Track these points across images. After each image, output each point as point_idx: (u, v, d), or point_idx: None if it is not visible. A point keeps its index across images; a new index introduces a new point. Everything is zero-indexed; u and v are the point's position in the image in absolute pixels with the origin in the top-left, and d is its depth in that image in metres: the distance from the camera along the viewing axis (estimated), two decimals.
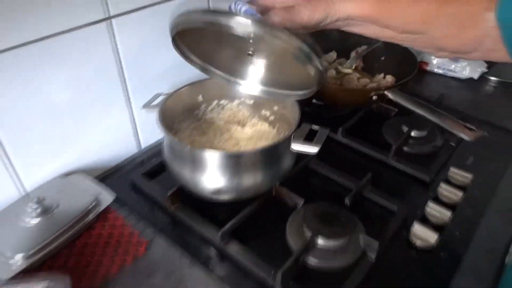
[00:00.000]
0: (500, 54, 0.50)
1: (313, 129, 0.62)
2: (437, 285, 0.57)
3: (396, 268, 0.59)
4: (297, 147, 0.59)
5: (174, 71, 0.76)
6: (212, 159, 0.57)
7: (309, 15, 0.52)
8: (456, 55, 0.56)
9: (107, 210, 0.66)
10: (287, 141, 0.59)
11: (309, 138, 0.60)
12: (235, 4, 0.56)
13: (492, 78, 1.05)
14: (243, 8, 0.54)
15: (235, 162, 0.58)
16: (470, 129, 0.65)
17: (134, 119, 0.77)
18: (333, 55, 0.97)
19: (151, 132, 0.81)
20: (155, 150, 0.80)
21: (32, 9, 0.54)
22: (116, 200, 0.67)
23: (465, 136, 0.64)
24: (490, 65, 1.06)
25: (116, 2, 0.63)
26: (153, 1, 0.69)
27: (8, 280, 0.51)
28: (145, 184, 0.71)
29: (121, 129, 0.75)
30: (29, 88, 0.59)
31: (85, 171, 0.71)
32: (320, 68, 0.52)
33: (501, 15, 0.47)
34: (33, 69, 0.58)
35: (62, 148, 0.67)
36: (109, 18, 0.63)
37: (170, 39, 0.57)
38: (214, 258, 0.60)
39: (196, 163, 0.59)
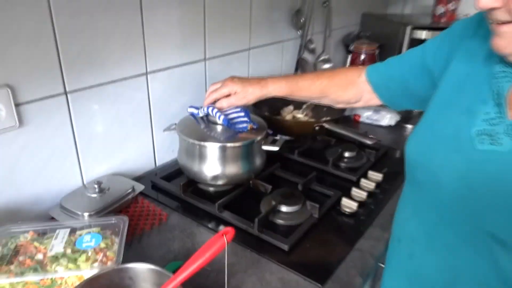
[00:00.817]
0: (375, 101, 0.91)
1: (275, 139, 0.98)
2: (357, 234, 0.89)
3: (331, 224, 0.92)
4: (266, 147, 0.94)
5: (183, 109, 1.12)
6: (211, 149, 0.91)
7: (245, 101, 0.94)
8: (348, 105, 0.97)
9: (137, 198, 0.97)
10: (258, 143, 0.95)
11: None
12: (203, 109, 0.96)
13: (405, 124, 1.47)
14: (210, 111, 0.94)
15: (226, 153, 0.92)
16: (372, 138, 1.03)
17: (154, 143, 1.10)
18: (291, 107, 1.36)
19: (163, 154, 1.14)
20: (166, 167, 1.13)
21: (106, 60, 0.91)
22: (141, 194, 0.98)
23: (369, 141, 1.03)
24: (403, 115, 1.49)
25: (152, 62, 1.01)
26: (174, 64, 1.07)
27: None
28: (163, 183, 1.03)
29: (145, 149, 1.09)
30: (97, 116, 0.93)
31: (120, 175, 1.02)
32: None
33: (368, 76, 0.88)
34: (101, 103, 0.93)
35: (109, 158, 1.00)
36: (147, 73, 1.01)
37: (182, 90, 0.96)
38: (212, 221, 0.91)
39: (201, 157, 0.92)
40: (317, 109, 1.34)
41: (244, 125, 0.96)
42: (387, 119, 1.47)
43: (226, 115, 0.94)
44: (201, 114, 0.99)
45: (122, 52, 0.93)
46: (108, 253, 0.71)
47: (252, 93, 0.92)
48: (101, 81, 0.91)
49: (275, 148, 0.94)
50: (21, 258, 0.69)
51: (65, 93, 0.85)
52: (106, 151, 0.98)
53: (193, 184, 1.00)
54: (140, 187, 0.96)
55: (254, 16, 1.30)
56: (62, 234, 0.73)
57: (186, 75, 1.12)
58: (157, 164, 1.14)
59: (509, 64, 0.58)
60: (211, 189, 1.01)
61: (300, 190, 0.99)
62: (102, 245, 0.72)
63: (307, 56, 1.60)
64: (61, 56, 0.81)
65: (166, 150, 1.15)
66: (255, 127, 0.97)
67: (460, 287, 0.64)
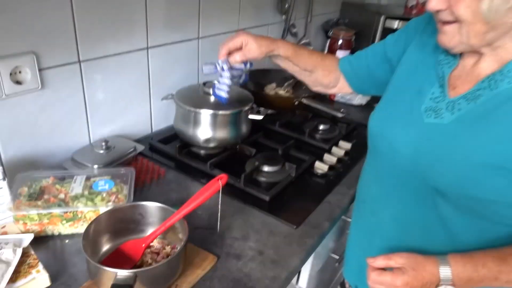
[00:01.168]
0: (347, 89, 1.05)
1: (260, 110, 1.13)
2: (326, 190, 1.06)
3: (305, 182, 1.08)
4: (252, 116, 1.09)
5: (180, 81, 1.25)
6: (205, 116, 1.06)
7: (257, 54, 0.94)
8: (325, 90, 1.09)
9: (136, 157, 1.10)
10: (245, 113, 1.10)
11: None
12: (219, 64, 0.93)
13: (374, 104, 1.64)
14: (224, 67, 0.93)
15: (217, 119, 1.07)
16: (342, 112, 1.20)
17: (151, 111, 1.24)
18: (274, 84, 1.51)
19: (159, 121, 1.28)
20: (161, 132, 1.26)
21: (114, 34, 1.03)
22: (140, 154, 1.12)
23: (340, 114, 1.19)
24: (373, 96, 1.66)
25: (152, 38, 1.14)
26: (172, 40, 1.20)
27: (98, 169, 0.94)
28: (160, 145, 1.16)
29: (144, 116, 1.22)
30: (104, 84, 1.06)
31: (123, 137, 1.15)
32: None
33: (341, 66, 1.03)
34: (108, 73, 1.05)
35: (112, 121, 1.12)
36: (147, 48, 1.14)
37: (177, 65, 1.09)
38: (205, 177, 1.06)
39: (196, 121, 1.07)
40: (297, 87, 1.49)
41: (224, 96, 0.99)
42: (359, 98, 1.63)
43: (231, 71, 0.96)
44: (218, 68, 0.96)
45: (128, 28, 1.06)
46: (119, 196, 0.85)
47: (265, 46, 0.95)
48: (109, 53, 1.03)
49: (259, 117, 1.09)
50: (46, 196, 0.82)
51: (79, 62, 0.97)
52: (110, 116, 1.11)
53: (187, 147, 1.15)
54: (140, 147, 1.10)
55: (243, 0, 1.42)
56: (80, 180, 0.87)
57: (182, 51, 1.25)
58: (153, 130, 1.27)
59: (451, 54, 0.74)
60: (203, 151, 1.16)
61: (280, 154, 1.15)
62: (114, 189, 0.86)
63: (290, 39, 1.74)
64: (77, 29, 0.93)
65: (161, 118, 1.28)
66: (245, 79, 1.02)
67: (411, 233, 0.80)
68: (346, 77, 1.03)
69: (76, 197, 0.82)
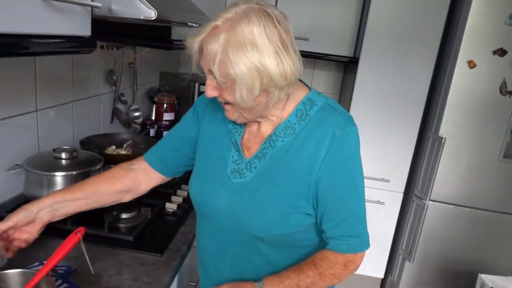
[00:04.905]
0: (158, 180, 1.06)
1: (111, 166, 1.29)
2: (179, 223, 1.28)
3: (161, 220, 1.28)
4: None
5: (19, 153, 1.29)
6: (59, 178, 1.16)
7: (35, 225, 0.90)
8: (134, 194, 1.05)
9: None
10: (96, 172, 1.24)
11: None
12: None
13: None
14: None
15: (70, 180, 1.18)
16: None
17: None
18: (114, 147, 1.67)
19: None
20: (4, 204, 1.27)
21: None
22: None
23: None
24: None
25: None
26: (8, 115, 1.26)
27: None
28: None
29: None
30: None
31: None
32: None
33: (148, 161, 1.03)
34: None
35: None
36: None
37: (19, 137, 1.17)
38: (68, 234, 1.13)
39: (50, 185, 1.15)
40: (136, 146, 1.70)
41: None
42: None
43: None
44: None
45: None
46: None
47: (20, 220, 0.91)
48: None
49: None
50: None
51: None
52: None
53: None
54: None
55: (76, 75, 1.58)
56: None
57: (19, 125, 1.31)
58: None
59: (237, 123, 0.89)
60: None
61: (134, 202, 1.32)
62: None
63: (120, 106, 1.94)
64: None
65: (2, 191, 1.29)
66: None
67: (246, 275, 0.94)
68: (157, 169, 1.04)
69: None
